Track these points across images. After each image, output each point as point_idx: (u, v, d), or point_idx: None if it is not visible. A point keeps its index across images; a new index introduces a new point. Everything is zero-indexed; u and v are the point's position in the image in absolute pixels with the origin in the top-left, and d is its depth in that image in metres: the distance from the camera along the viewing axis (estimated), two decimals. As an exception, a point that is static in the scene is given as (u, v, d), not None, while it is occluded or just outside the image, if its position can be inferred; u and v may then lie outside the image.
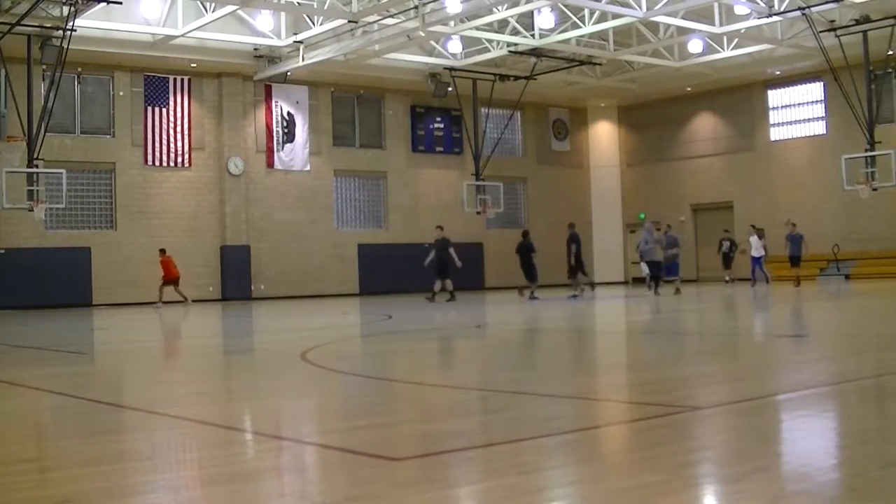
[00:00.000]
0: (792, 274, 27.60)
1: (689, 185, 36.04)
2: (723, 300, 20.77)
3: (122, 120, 28.55)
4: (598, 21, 27.45)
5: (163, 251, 26.03)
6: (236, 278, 29.65)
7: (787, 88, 33.59)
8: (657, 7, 25.39)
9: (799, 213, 32.84)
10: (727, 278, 30.04)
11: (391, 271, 32.07)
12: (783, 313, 15.89)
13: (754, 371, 7.47)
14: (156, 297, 25.59)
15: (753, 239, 28.42)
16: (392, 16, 25.97)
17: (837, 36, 26.82)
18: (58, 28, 23.51)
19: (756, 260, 28.20)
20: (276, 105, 31.09)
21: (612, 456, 4.37)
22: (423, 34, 26.88)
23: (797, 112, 33.59)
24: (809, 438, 4.47)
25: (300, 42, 27.54)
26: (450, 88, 31.63)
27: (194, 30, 26.36)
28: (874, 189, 27.45)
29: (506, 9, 26.35)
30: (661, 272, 24.35)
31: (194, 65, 28.79)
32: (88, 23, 24.63)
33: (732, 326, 13.52)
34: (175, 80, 29.22)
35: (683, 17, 27.43)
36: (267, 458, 4.52)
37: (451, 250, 24.20)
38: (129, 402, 6.89)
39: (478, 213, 32.15)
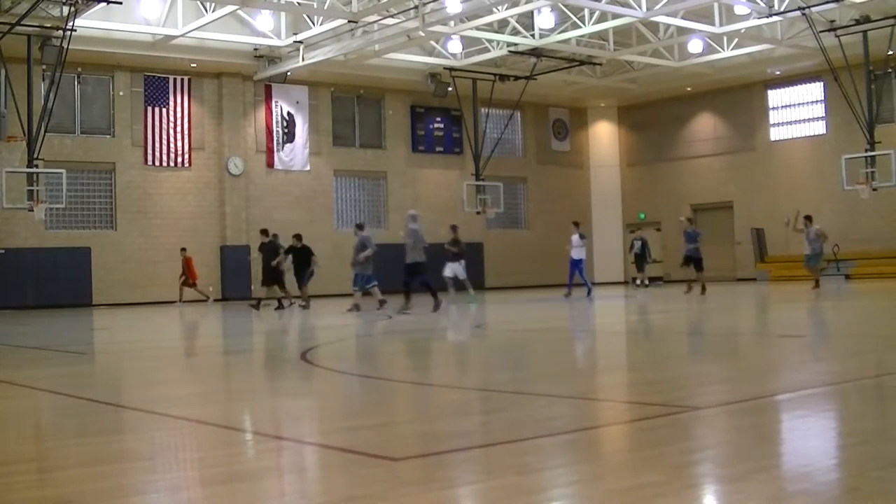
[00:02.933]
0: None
1: (689, 185, 36.03)
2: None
3: (122, 120, 28.55)
4: (598, 21, 27.44)
5: (184, 249, 26.98)
6: (236, 278, 29.63)
7: (787, 88, 33.58)
8: (657, 7, 25.38)
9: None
10: (638, 282, 28.48)
11: (391, 271, 31.97)
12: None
13: (754, 371, 7.47)
14: (176, 296, 26.84)
15: (574, 238, 23.73)
16: (392, 16, 25.96)
17: (837, 36, 26.81)
18: (58, 28, 23.51)
19: (575, 264, 23.64)
20: (276, 105, 31.09)
21: (612, 456, 4.37)
22: (423, 34, 26.87)
23: (797, 112, 33.58)
24: (809, 438, 4.47)
25: (300, 42, 27.54)
26: (450, 88, 31.62)
27: (194, 30, 26.35)
28: (874, 189, 27.43)
29: (506, 9, 26.33)
30: (422, 278, 18.58)
31: (194, 65, 28.79)
32: (88, 23, 24.61)
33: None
34: (175, 80, 29.21)
35: (683, 17, 27.42)
36: (267, 458, 4.52)
37: (281, 251, 21.86)
38: (129, 402, 6.89)
39: (478, 213, 32.14)
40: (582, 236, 23.78)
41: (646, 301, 20.65)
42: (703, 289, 22.73)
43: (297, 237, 22.27)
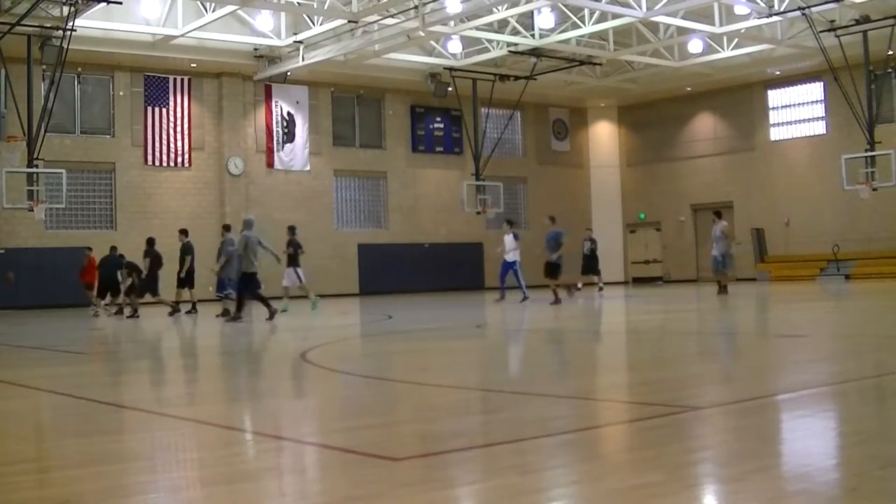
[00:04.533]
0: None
1: (689, 185, 36.03)
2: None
3: (122, 120, 28.55)
4: (598, 21, 27.44)
5: (90, 249, 24.02)
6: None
7: (787, 88, 33.58)
8: (657, 7, 25.39)
9: (799, 213, 32.89)
10: (579, 285, 25.82)
11: (391, 271, 32.07)
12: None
13: (754, 371, 7.47)
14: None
15: (508, 238, 21.81)
16: (392, 16, 25.96)
17: (837, 36, 26.81)
18: (58, 28, 23.51)
19: (508, 266, 21.66)
20: (276, 105, 31.09)
21: (612, 456, 4.37)
22: (423, 34, 26.87)
23: (797, 112, 33.58)
24: (809, 438, 4.47)
25: (300, 42, 27.54)
26: (450, 88, 31.62)
27: (194, 30, 26.36)
28: (874, 189, 27.44)
29: (506, 9, 26.33)
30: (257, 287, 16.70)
31: (194, 65, 28.79)
32: (88, 23, 24.62)
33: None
34: (175, 80, 29.20)
35: (683, 17, 27.42)
36: (267, 458, 4.52)
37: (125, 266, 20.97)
38: (129, 402, 6.88)
39: (478, 213, 32.14)
40: (516, 236, 21.85)
41: (601, 303, 19.94)
42: (557, 298, 19.37)
43: (150, 242, 20.56)
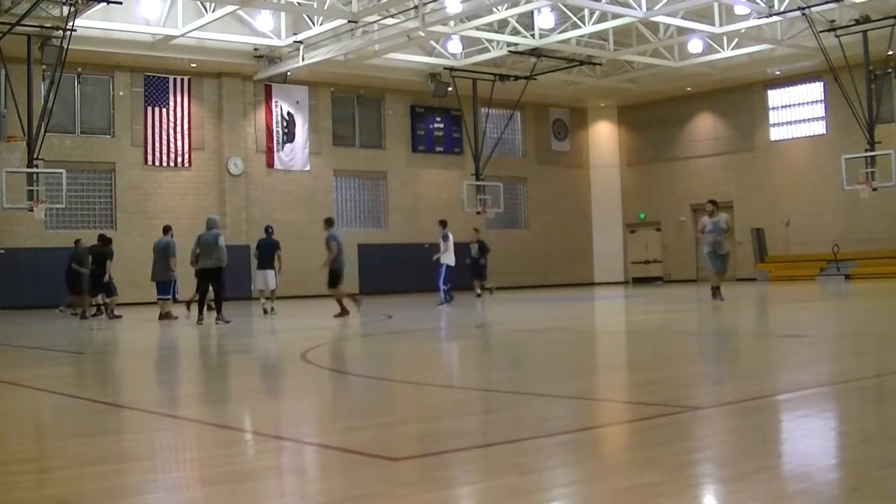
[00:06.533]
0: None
1: (689, 185, 36.02)
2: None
3: (122, 120, 28.55)
4: (598, 21, 27.44)
5: None
6: (236, 279, 29.57)
7: (787, 88, 33.59)
8: (657, 7, 25.39)
9: (799, 213, 32.89)
10: (479, 290, 24.75)
11: (391, 271, 32.04)
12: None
13: (754, 371, 7.47)
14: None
15: (441, 240, 21.45)
16: (392, 16, 25.97)
17: (837, 36, 26.81)
18: (58, 28, 23.51)
19: (447, 269, 21.05)
20: (276, 105, 31.09)
21: (612, 456, 4.37)
22: (423, 34, 26.87)
23: (797, 112, 33.58)
24: (809, 438, 4.47)
25: (300, 42, 27.55)
26: (450, 88, 31.62)
27: (194, 30, 26.36)
28: (874, 189, 27.44)
29: (506, 9, 26.34)
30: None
31: (194, 65, 28.79)
32: (88, 23, 24.62)
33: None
34: (175, 80, 29.21)
35: (683, 17, 27.43)
36: (267, 458, 4.52)
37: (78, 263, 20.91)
38: (129, 402, 6.89)
39: (478, 213, 32.13)
40: (445, 237, 21.11)
41: (496, 307, 19.46)
42: (342, 309, 16.98)
43: (102, 238, 20.92)
